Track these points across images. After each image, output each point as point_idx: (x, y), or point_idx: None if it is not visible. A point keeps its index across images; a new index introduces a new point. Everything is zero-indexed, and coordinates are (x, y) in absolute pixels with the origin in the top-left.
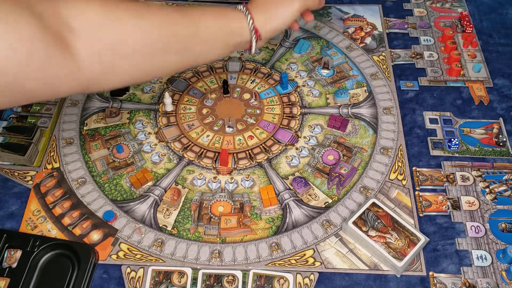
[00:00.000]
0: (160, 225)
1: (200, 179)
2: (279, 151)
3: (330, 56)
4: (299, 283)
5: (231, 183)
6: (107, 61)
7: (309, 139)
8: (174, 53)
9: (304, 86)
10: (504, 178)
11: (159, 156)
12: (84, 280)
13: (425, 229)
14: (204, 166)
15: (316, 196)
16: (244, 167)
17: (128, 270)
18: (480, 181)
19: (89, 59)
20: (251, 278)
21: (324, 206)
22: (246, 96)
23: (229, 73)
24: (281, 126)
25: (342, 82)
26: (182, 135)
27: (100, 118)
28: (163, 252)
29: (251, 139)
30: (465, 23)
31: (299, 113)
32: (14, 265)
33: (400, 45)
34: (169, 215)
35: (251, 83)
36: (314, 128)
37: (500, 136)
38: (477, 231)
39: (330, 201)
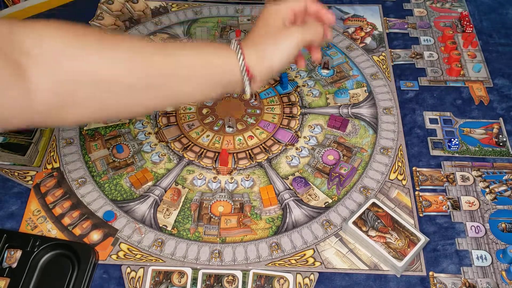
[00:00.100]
0: (160, 225)
1: (200, 179)
2: (279, 151)
3: (330, 56)
4: (299, 283)
5: (231, 183)
6: (66, 93)
7: (309, 139)
8: (147, 90)
9: (304, 86)
10: (504, 178)
11: (159, 156)
12: (84, 280)
13: (425, 229)
14: (204, 166)
15: (316, 196)
16: (244, 167)
17: (128, 270)
18: (480, 181)
19: (46, 89)
20: (251, 278)
21: (324, 206)
22: (246, 96)
23: None
24: (281, 126)
25: (342, 82)
26: (182, 135)
27: None
28: (163, 252)
29: (251, 139)
30: (465, 23)
31: (299, 113)
32: (14, 265)
33: (400, 45)
34: (169, 215)
35: None
36: (314, 128)
37: (500, 136)
38: (477, 231)
39: (330, 201)
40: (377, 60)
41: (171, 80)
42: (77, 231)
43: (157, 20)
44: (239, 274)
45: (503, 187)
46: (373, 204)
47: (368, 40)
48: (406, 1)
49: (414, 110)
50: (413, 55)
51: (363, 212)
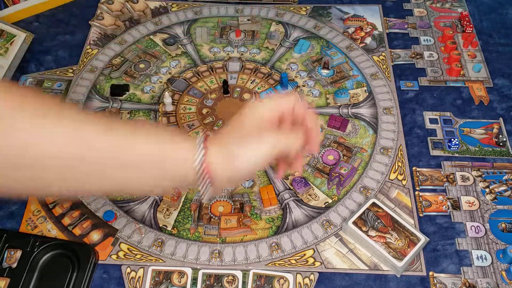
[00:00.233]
0: (160, 225)
1: None
2: None
3: (330, 56)
4: (299, 283)
5: None
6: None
7: None
8: (79, 171)
9: (304, 86)
10: (504, 178)
11: None
12: (84, 280)
13: (425, 229)
14: None
15: (316, 196)
16: None
17: (128, 270)
18: (480, 181)
19: None
20: (251, 278)
21: (324, 206)
22: (246, 96)
23: (229, 73)
24: None
25: (342, 82)
26: None
27: None
28: (163, 252)
29: None
30: (465, 23)
31: None
32: (14, 265)
33: (400, 45)
34: (169, 215)
35: (251, 83)
36: None
37: (500, 136)
38: (477, 231)
39: (330, 201)
40: (377, 60)
41: (111, 163)
42: (77, 231)
43: (157, 20)
44: (239, 274)
45: (503, 187)
46: (373, 204)
47: (368, 40)
48: (406, 1)
49: (414, 110)
50: (413, 55)
51: (363, 212)
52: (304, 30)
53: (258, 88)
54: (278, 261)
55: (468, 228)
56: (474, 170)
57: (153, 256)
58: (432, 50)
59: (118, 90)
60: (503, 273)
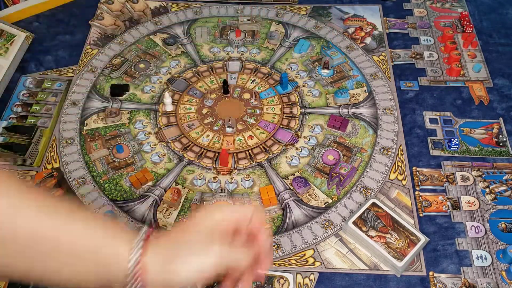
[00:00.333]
0: (160, 225)
1: (200, 179)
2: (279, 151)
3: (330, 56)
4: (299, 283)
5: (231, 183)
6: None
7: (309, 139)
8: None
9: (304, 86)
10: (504, 178)
11: (159, 156)
12: None
13: (425, 229)
14: (204, 166)
15: (316, 196)
16: (244, 167)
17: None
18: (480, 181)
19: None
20: None
21: (324, 206)
22: (246, 96)
23: (229, 73)
24: (281, 126)
25: (342, 82)
26: (182, 135)
27: (100, 118)
28: None
29: (251, 139)
30: (465, 23)
31: (299, 113)
32: None
33: (400, 45)
34: (169, 215)
35: (251, 83)
36: (314, 128)
37: (500, 136)
38: (477, 231)
39: (330, 201)
40: (377, 60)
41: (37, 249)
42: None
43: (157, 20)
44: None
45: (503, 187)
46: (373, 204)
47: (368, 40)
48: (406, 1)
49: (414, 110)
50: (413, 55)
51: (363, 212)
52: (304, 30)
53: (258, 88)
54: (278, 261)
55: (468, 228)
56: (474, 170)
57: None
58: (432, 50)
59: (118, 90)
60: (503, 273)
